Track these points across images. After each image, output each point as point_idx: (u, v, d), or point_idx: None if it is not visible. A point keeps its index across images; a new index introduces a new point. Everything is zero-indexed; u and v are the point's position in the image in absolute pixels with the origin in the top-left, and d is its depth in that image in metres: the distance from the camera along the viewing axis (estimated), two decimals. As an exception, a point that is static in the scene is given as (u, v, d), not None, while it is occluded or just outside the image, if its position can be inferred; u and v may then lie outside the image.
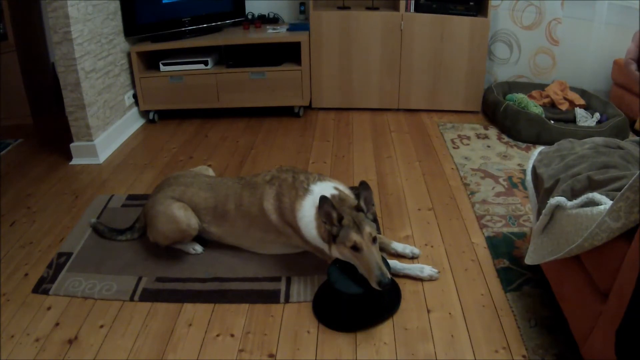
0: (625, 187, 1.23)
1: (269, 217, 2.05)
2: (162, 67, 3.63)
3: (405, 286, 1.96)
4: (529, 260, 1.68)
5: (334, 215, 1.81)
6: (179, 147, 3.34)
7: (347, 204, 1.89)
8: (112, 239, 2.30)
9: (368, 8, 3.70)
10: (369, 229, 1.80)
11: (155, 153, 3.26)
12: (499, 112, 3.40)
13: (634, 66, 3.28)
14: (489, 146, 3.20)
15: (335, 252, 1.87)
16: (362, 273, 1.78)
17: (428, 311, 1.85)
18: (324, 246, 1.94)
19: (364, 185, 1.89)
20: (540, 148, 2.00)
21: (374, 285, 1.72)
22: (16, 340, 1.77)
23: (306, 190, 1.99)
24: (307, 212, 1.96)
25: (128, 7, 3.46)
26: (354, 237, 1.77)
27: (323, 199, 1.80)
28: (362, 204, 1.87)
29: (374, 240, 1.80)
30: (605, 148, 1.77)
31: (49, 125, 3.83)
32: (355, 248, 1.77)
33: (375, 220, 1.90)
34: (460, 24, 3.53)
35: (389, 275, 1.74)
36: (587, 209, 1.39)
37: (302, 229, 1.97)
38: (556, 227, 1.54)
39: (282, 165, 2.78)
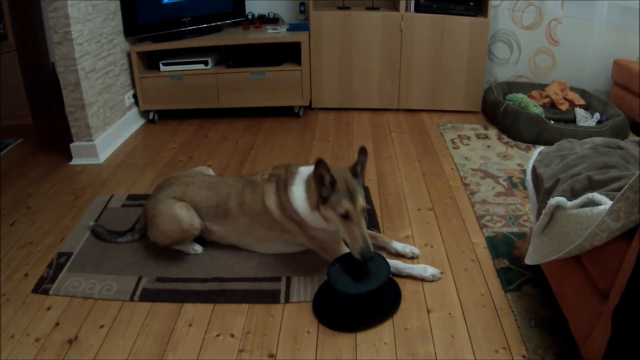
0: (625, 187, 1.23)
1: (271, 214, 2.07)
2: (162, 67, 3.63)
3: (405, 286, 1.96)
4: (529, 260, 1.68)
5: (327, 178, 1.83)
6: (179, 147, 3.34)
7: (339, 170, 1.93)
8: (112, 241, 2.28)
9: (368, 8, 3.70)
10: (362, 200, 1.84)
11: (155, 153, 3.26)
12: (499, 112, 3.40)
13: None
14: (489, 146, 3.20)
15: (319, 216, 1.91)
16: (344, 240, 1.86)
17: (428, 311, 1.85)
18: (318, 223, 1.97)
19: (363, 150, 1.92)
20: (540, 148, 2.00)
21: (357, 255, 1.79)
22: (16, 340, 1.77)
23: (294, 174, 2.06)
24: (297, 188, 2.01)
25: (128, 7, 3.46)
26: (347, 205, 1.80)
27: (319, 161, 1.82)
28: (359, 168, 1.90)
29: (363, 211, 1.85)
30: (605, 148, 1.77)
31: (49, 125, 3.83)
32: (347, 217, 1.81)
33: (365, 187, 1.94)
34: (460, 24, 3.53)
35: (372, 249, 1.79)
36: (587, 209, 1.39)
37: (294, 204, 2.00)
38: (556, 227, 1.54)
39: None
